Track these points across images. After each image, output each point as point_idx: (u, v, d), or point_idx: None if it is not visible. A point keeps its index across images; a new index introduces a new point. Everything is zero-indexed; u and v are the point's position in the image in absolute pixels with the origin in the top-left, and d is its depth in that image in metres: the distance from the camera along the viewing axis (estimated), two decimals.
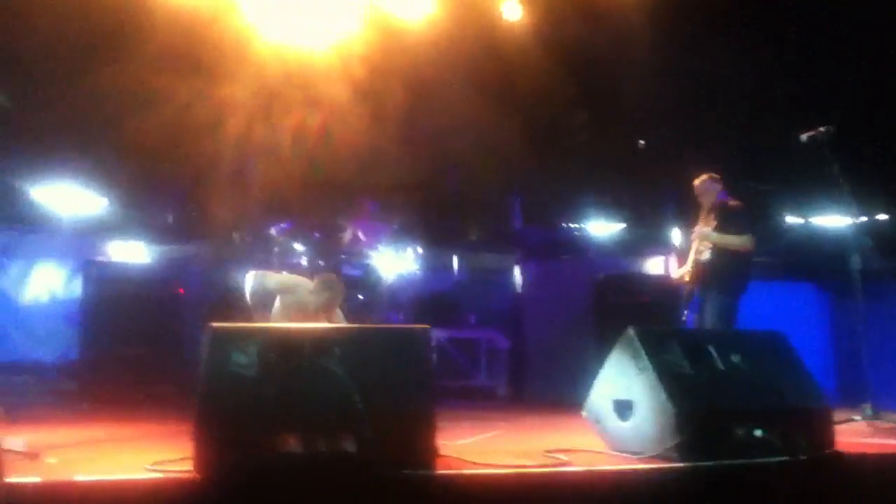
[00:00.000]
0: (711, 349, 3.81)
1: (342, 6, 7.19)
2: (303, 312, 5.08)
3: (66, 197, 7.84)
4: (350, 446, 3.19)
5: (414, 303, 7.42)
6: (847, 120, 6.02)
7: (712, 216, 5.71)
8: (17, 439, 3.84)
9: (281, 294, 5.16)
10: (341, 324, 5.25)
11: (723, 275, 5.54)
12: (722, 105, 8.09)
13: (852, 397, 5.33)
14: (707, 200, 5.82)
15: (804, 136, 5.14)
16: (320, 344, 3.34)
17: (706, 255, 5.64)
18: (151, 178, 7.97)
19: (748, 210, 5.77)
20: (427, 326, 3.55)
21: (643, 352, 3.67)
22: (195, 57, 7.49)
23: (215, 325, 3.41)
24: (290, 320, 5.07)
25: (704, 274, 5.64)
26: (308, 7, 7.14)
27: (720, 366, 3.78)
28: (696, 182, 5.92)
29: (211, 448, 3.11)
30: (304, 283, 5.22)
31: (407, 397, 3.31)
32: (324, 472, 3.15)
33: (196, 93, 7.83)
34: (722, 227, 5.59)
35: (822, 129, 5.04)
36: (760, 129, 8.15)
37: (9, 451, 3.54)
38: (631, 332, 3.78)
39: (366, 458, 3.16)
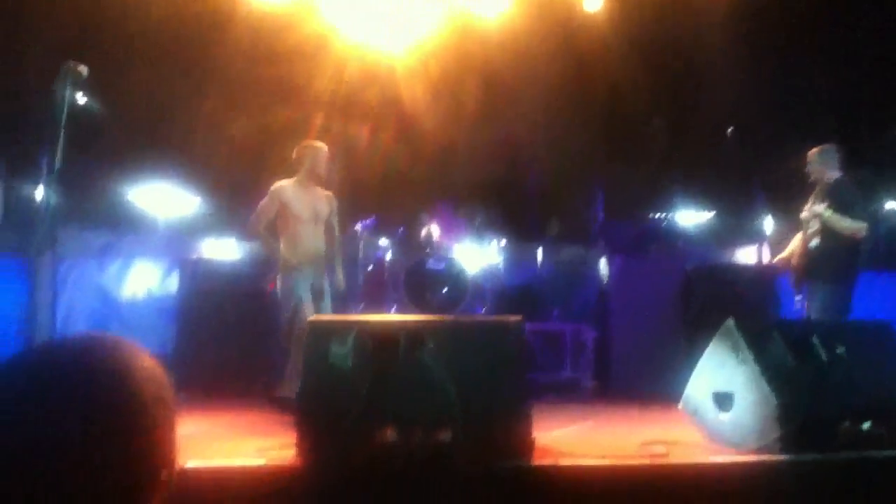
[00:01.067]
0: (815, 340, 3.68)
1: (419, 6, 7.23)
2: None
3: (161, 198, 8.14)
4: (446, 438, 3.22)
5: (497, 296, 7.41)
6: None
7: (824, 195, 5.31)
8: None
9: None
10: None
11: (833, 262, 5.19)
12: (815, 89, 7.79)
13: None
14: (821, 176, 5.39)
15: None
16: (415, 336, 3.38)
17: (815, 242, 5.31)
18: (241, 178, 8.20)
19: (863, 193, 5.40)
20: (520, 318, 3.56)
21: (744, 343, 3.58)
22: (279, 60, 7.69)
23: (314, 318, 3.50)
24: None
25: (812, 261, 5.31)
26: (385, 8, 7.21)
27: (824, 357, 3.65)
28: (812, 153, 5.46)
29: (312, 437, 3.20)
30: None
31: (502, 389, 3.33)
32: (420, 463, 3.19)
33: (281, 94, 8.04)
34: (836, 209, 5.19)
35: None
36: (856, 113, 7.82)
37: None
38: (731, 323, 3.68)
39: (462, 449, 3.19)
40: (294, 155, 5.54)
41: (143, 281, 8.09)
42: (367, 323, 3.48)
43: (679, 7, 7.62)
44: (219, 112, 7.85)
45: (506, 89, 8.27)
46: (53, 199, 4.17)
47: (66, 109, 4.13)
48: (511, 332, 3.45)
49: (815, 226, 5.30)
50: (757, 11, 7.21)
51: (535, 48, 7.68)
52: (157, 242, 8.11)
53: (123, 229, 7.69)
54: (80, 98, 6.34)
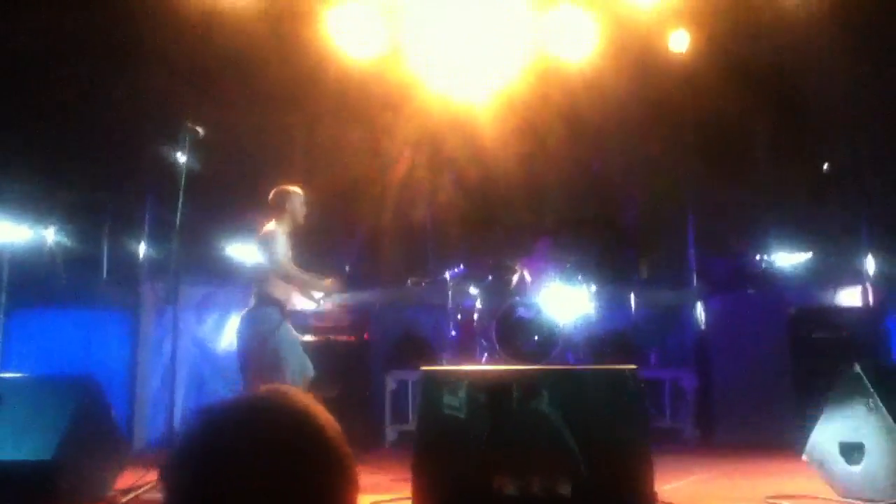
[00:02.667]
0: None
1: (503, 54, 7.32)
2: None
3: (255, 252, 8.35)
4: (565, 489, 3.15)
5: (590, 342, 7.28)
6: None
7: None
8: None
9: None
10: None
11: None
12: None
13: None
14: None
15: None
16: (529, 386, 3.34)
17: None
18: (330, 230, 8.36)
19: None
20: (634, 367, 3.48)
21: (873, 390, 3.40)
22: (363, 108, 7.88)
23: (427, 368, 3.50)
24: None
25: None
26: (470, 57, 7.32)
27: None
28: None
29: (429, 487, 3.17)
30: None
31: (621, 439, 3.24)
32: None
33: (368, 146, 8.22)
34: None
35: None
36: None
37: None
38: (858, 368, 3.51)
39: (582, 501, 3.11)
40: (273, 199, 5.31)
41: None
42: (479, 373, 3.46)
43: (769, 33, 7.49)
44: (310, 166, 8.06)
45: (593, 129, 8.24)
46: (177, 254, 4.31)
47: (185, 169, 4.31)
48: (628, 381, 3.37)
49: None
50: (855, 39, 7.02)
51: (621, 87, 7.66)
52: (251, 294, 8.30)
53: (221, 281, 7.89)
54: (181, 155, 6.63)
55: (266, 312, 5.06)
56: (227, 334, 8.19)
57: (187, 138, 4.38)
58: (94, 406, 4.04)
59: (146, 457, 4.55)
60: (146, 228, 7.66)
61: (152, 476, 3.92)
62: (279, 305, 5.14)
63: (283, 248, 5.13)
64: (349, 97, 7.74)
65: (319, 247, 8.56)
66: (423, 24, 7.28)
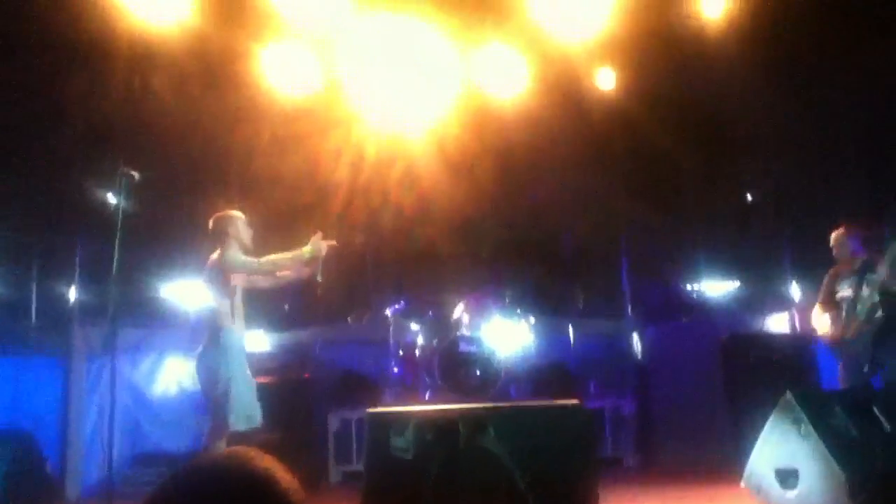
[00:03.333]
0: (875, 409, 3.64)
1: (439, 88, 7.43)
2: None
3: (191, 292, 8.22)
4: None
5: (531, 375, 7.36)
6: None
7: (859, 269, 5.39)
8: None
9: None
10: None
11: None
12: (835, 150, 7.90)
13: None
14: (845, 255, 5.52)
15: None
16: (475, 423, 3.36)
17: (879, 313, 5.25)
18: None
19: None
20: (578, 402, 3.55)
21: (805, 416, 3.54)
22: (299, 144, 7.87)
23: (372, 410, 3.50)
24: None
25: (881, 332, 5.24)
26: (404, 92, 7.40)
27: (887, 426, 3.60)
28: (834, 236, 5.63)
29: None
30: None
31: (568, 473, 3.29)
32: None
33: (303, 182, 8.19)
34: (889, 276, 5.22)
35: None
36: (877, 174, 7.89)
37: None
38: (789, 396, 3.66)
39: None
40: (214, 226, 5.00)
41: (175, 376, 8.09)
42: (425, 413, 3.47)
43: (691, 70, 7.80)
44: (246, 203, 7.99)
45: (527, 164, 8.41)
46: (115, 300, 4.21)
47: (121, 213, 4.23)
48: (573, 416, 3.43)
49: (875, 298, 5.27)
50: (779, 71, 7.36)
51: (553, 123, 7.84)
52: (188, 337, 8.14)
53: (155, 324, 7.73)
54: (112, 198, 6.49)
55: (217, 354, 4.78)
56: (162, 379, 8.00)
57: (123, 181, 4.30)
58: (26, 459, 3.90)
59: None
60: (77, 271, 7.46)
61: None
62: (233, 347, 4.85)
63: (243, 255, 4.90)
64: (285, 134, 7.74)
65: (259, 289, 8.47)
66: (358, 61, 7.34)
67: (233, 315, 4.87)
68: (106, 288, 7.10)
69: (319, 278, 5.18)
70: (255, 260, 4.89)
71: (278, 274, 5.18)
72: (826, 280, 5.66)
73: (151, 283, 7.70)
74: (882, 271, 5.20)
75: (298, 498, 1.10)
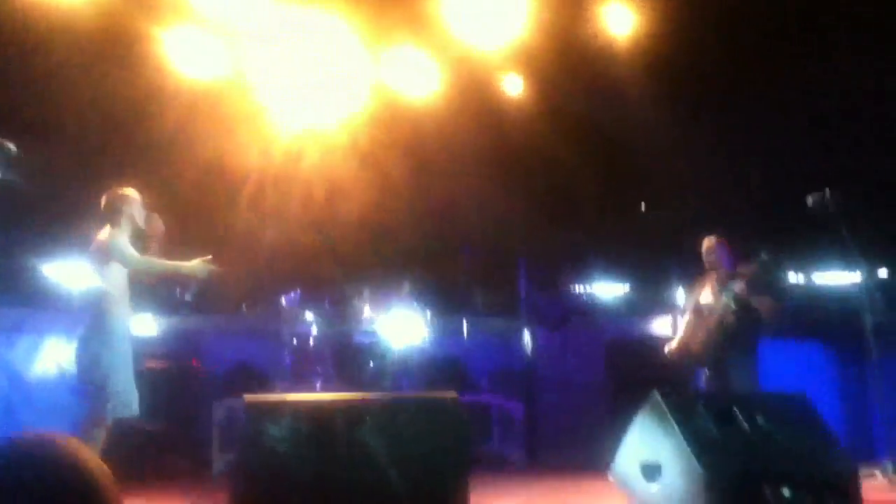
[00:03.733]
0: (737, 411, 3.86)
1: (349, 85, 7.40)
2: None
3: (74, 273, 7.91)
4: None
5: (425, 369, 7.43)
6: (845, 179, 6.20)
7: (723, 279, 5.63)
8: None
9: None
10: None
11: (746, 338, 5.48)
12: (722, 169, 8.32)
13: (860, 455, 5.32)
14: (713, 263, 5.74)
15: (810, 199, 5.26)
16: (353, 414, 3.38)
17: (730, 320, 5.50)
18: (162, 254, 8.06)
19: (779, 276, 5.76)
20: (455, 395, 3.61)
21: (670, 415, 3.72)
22: (205, 133, 7.69)
23: (249, 397, 3.46)
24: None
25: (728, 339, 5.54)
26: (315, 85, 7.34)
27: (746, 428, 3.82)
28: (705, 244, 5.84)
29: None
30: None
31: (441, 465, 3.35)
32: None
33: (205, 167, 8.01)
34: (758, 293, 5.48)
35: (827, 191, 5.16)
36: (756, 189, 8.37)
37: None
38: (656, 395, 3.83)
39: None
40: (106, 203, 4.81)
41: (55, 358, 7.77)
42: (304, 402, 3.47)
43: (595, 87, 8.05)
44: (142, 188, 7.75)
45: (432, 163, 8.48)
46: None
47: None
48: (449, 409, 3.50)
49: (728, 307, 5.54)
50: (671, 91, 7.68)
51: (460, 123, 7.93)
52: (69, 318, 7.82)
53: (35, 304, 7.40)
54: None
55: (100, 339, 4.61)
56: (41, 361, 7.67)
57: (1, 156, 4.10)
58: None
59: None
60: None
61: None
62: (116, 332, 4.66)
63: (130, 247, 4.71)
64: (190, 121, 7.54)
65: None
66: (266, 53, 7.23)
67: (118, 298, 4.70)
68: None
69: (188, 298, 5.12)
70: (138, 258, 4.74)
71: (161, 276, 5.08)
72: (694, 287, 5.91)
73: (29, 262, 7.35)
74: (740, 285, 5.49)
75: (107, 483, 1.09)
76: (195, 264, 4.87)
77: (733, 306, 5.46)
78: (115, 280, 4.68)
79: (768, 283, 5.50)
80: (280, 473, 3.23)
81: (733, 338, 5.51)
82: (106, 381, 4.61)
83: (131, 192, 4.92)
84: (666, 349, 5.92)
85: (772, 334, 6.18)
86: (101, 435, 4.67)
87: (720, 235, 5.81)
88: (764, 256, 5.50)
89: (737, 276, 5.53)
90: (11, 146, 4.13)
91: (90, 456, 1.12)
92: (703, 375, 5.72)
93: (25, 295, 7.34)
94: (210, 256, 4.91)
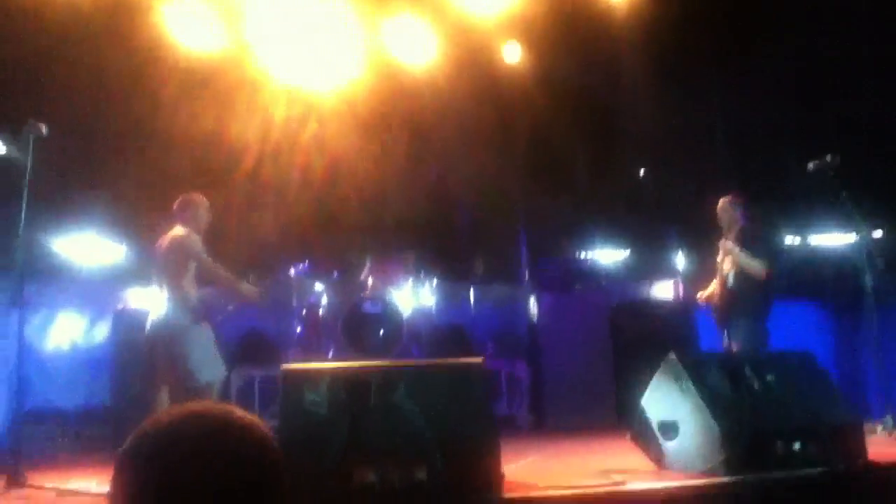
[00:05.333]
0: (748, 370, 4.04)
1: (348, 50, 7.44)
2: None
3: (86, 247, 7.98)
4: (422, 475, 3.37)
5: (433, 336, 7.59)
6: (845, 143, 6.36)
7: (734, 240, 5.79)
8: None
9: None
10: None
11: (748, 299, 5.66)
12: (719, 130, 8.46)
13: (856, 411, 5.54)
14: (731, 223, 5.89)
15: (811, 165, 5.41)
16: (387, 380, 3.53)
17: (731, 282, 5.73)
18: (167, 226, 8.14)
19: (768, 238, 5.94)
20: (481, 360, 3.77)
21: (686, 375, 3.89)
22: (206, 102, 7.72)
23: (286, 366, 3.61)
24: None
25: (731, 299, 5.74)
26: (314, 50, 7.37)
27: (756, 386, 4.01)
28: (719, 204, 5.99)
29: (293, 480, 3.28)
30: None
31: (472, 426, 3.51)
32: (399, 501, 3.33)
33: (209, 138, 8.05)
34: (743, 251, 5.69)
35: (828, 157, 5.31)
36: (756, 150, 8.52)
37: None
38: (673, 356, 4.00)
39: (437, 486, 3.35)
40: (179, 206, 5.44)
41: (68, 332, 7.87)
42: (339, 369, 3.61)
43: (592, 55, 8.14)
44: (146, 159, 7.80)
45: (433, 132, 8.57)
46: (23, 255, 4.11)
47: (29, 168, 4.11)
48: (475, 374, 3.65)
49: (729, 267, 5.76)
50: (665, 51, 7.78)
51: (459, 92, 8.01)
52: (81, 292, 7.91)
53: (47, 279, 7.48)
54: (3, 148, 6.22)
55: (180, 316, 5.12)
56: (55, 334, 7.78)
57: (30, 135, 4.17)
58: None
59: None
60: None
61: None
62: (195, 309, 5.21)
63: (200, 243, 5.29)
64: (190, 91, 7.56)
65: (157, 240, 8.29)
66: (264, 20, 7.25)
67: (191, 285, 5.25)
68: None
69: (231, 308, 6.06)
70: (211, 261, 5.30)
71: (219, 284, 5.74)
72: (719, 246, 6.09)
73: (43, 237, 7.42)
74: (730, 245, 5.69)
75: (277, 450, 1.21)
76: (249, 288, 5.55)
77: (731, 267, 5.67)
78: (189, 277, 5.22)
79: (753, 242, 5.68)
80: (318, 436, 3.39)
81: (735, 299, 5.70)
82: (213, 378, 5.18)
83: (201, 198, 5.58)
84: (698, 296, 6.12)
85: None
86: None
87: (735, 193, 5.96)
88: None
89: (738, 235, 5.72)
90: (43, 126, 4.20)
91: (259, 422, 1.25)
92: (724, 335, 5.91)
93: (37, 270, 7.41)
94: (260, 288, 5.70)
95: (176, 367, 5.03)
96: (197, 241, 5.26)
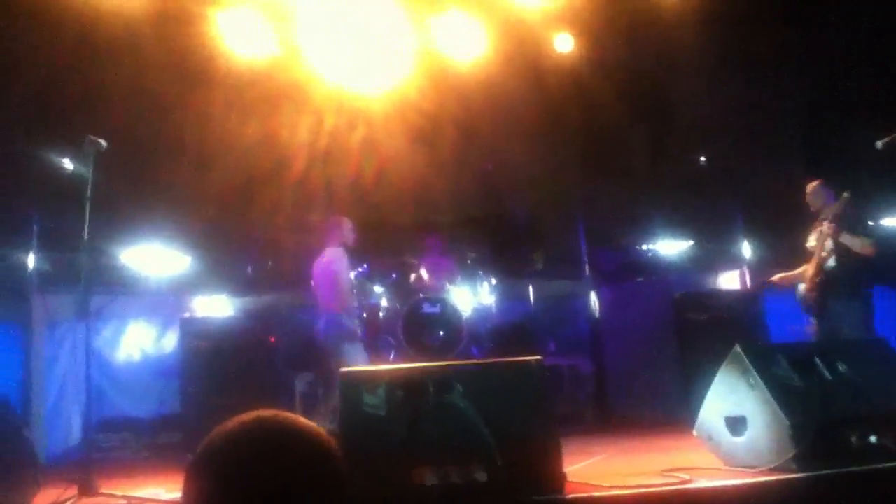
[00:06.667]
0: (817, 360, 3.88)
1: (397, 51, 7.44)
2: None
3: (152, 258, 8.20)
4: (481, 476, 3.34)
5: (493, 335, 7.55)
6: None
7: (829, 221, 5.64)
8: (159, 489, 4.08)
9: None
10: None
11: (851, 280, 5.53)
12: (781, 114, 8.18)
13: None
14: (820, 206, 5.80)
15: (880, 143, 5.19)
16: (443, 381, 3.51)
17: (831, 263, 5.60)
18: (229, 233, 8.30)
19: (865, 217, 5.79)
20: (540, 357, 3.71)
21: (752, 367, 3.76)
22: (261, 108, 7.83)
23: (345, 370, 3.62)
24: None
25: (830, 281, 5.60)
26: (364, 53, 7.40)
27: (828, 375, 3.85)
28: (809, 188, 5.92)
29: (354, 483, 3.29)
30: None
31: (531, 425, 3.46)
32: (458, 501, 3.31)
33: (266, 144, 8.18)
34: (845, 230, 5.55)
35: None
36: (822, 135, 8.20)
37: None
38: (738, 349, 3.87)
39: (497, 486, 3.31)
40: (328, 227, 6.39)
41: (138, 342, 8.10)
42: (395, 372, 3.61)
43: (646, 40, 7.95)
44: (204, 167, 7.97)
45: (484, 129, 8.51)
46: (88, 267, 4.23)
47: (91, 182, 4.23)
48: (533, 372, 3.60)
49: (829, 247, 5.60)
50: (726, 36, 7.56)
51: (510, 86, 7.93)
52: (149, 302, 8.13)
53: (116, 291, 7.71)
54: (69, 164, 6.41)
55: (348, 318, 6.26)
56: (125, 345, 8.00)
57: (91, 151, 4.29)
58: (5, 424, 3.94)
59: (50, 473, 4.43)
60: (34, 240, 7.37)
61: (72, 491, 3.89)
62: (355, 314, 6.36)
63: (348, 271, 6.37)
64: (242, 98, 7.69)
65: (219, 248, 8.47)
66: (314, 25, 7.31)
67: (347, 299, 6.32)
68: (64, 256, 7.06)
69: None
70: (350, 292, 6.43)
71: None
72: (808, 231, 5.94)
73: (111, 250, 7.65)
74: (830, 225, 5.52)
75: (337, 454, 1.22)
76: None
77: (829, 247, 5.48)
78: (345, 290, 6.35)
79: (855, 221, 5.53)
80: (377, 438, 3.39)
81: (836, 282, 5.54)
82: (354, 353, 6.27)
83: (346, 220, 6.55)
84: (774, 277, 6.04)
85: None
86: None
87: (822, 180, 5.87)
88: (846, 195, 5.52)
89: (835, 217, 5.54)
90: (102, 142, 4.32)
91: (318, 428, 1.26)
92: (808, 324, 5.73)
93: (107, 282, 7.65)
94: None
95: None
96: (344, 268, 6.32)
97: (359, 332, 6.35)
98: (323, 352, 6.42)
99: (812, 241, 5.83)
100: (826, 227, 5.60)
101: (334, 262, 6.28)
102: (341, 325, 6.24)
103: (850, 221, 5.57)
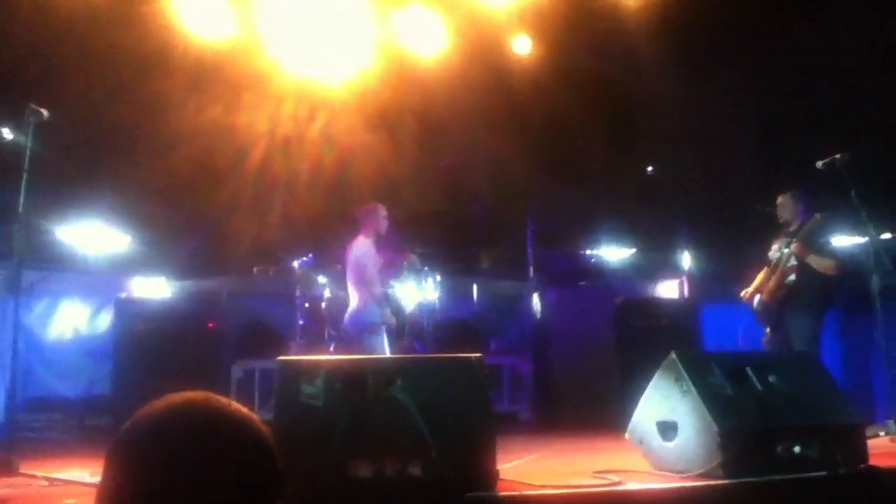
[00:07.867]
0: (749, 371, 3.98)
1: (358, 41, 7.40)
2: None
3: (90, 235, 7.98)
4: (416, 471, 3.34)
5: (435, 331, 7.55)
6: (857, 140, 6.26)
7: (798, 239, 5.73)
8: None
9: None
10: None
11: (810, 295, 5.64)
12: (731, 130, 8.36)
13: (862, 416, 5.47)
14: (791, 219, 5.88)
15: (820, 164, 5.35)
16: (383, 374, 3.50)
17: (791, 277, 5.70)
18: (173, 215, 8.13)
19: (830, 232, 5.92)
20: (480, 355, 3.73)
21: (686, 375, 3.84)
22: (216, 92, 7.70)
23: (284, 358, 3.58)
24: None
25: (790, 295, 5.71)
26: (325, 41, 7.33)
27: (758, 386, 3.95)
28: (780, 199, 5.98)
29: (288, 474, 3.25)
30: None
31: (468, 422, 3.47)
32: (392, 495, 3.30)
33: (216, 128, 8.03)
34: (808, 247, 5.66)
35: (838, 155, 5.25)
36: (768, 152, 8.41)
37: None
38: (674, 355, 3.94)
39: (431, 481, 3.31)
40: (362, 215, 6.34)
41: (70, 320, 7.88)
42: (336, 362, 3.58)
43: (604, 46, 8.05)
44: (154, 148, 7.79)
45: (441, 125, 8.52)
46: (21, 240, 4.08)
47: (28, 153, 4.09)
48: (474, 369, 3.61)
49: (792, 263, 5.72)
50: (681, 49, 7.69)
51: (468, 84, 7.96)
52: (85, 281, 7.92)
53: (51, 267, 7.49)
54: (8, 133, 6.20)
55: (373, 308, 6.17)
56: (57, 323, 7.78)
57: (31, 120, 4.15)
58: None
59: None
60: None
61: None
62: (380, 305, 6.21)
63: (372, 262, 6.25)
64: (200, 80, 7.54)
65: (162, 229, 8.28)
66: (276, 10, 7.21)
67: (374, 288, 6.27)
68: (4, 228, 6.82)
69: (332, 330, 6.99)
70: (375, 280, 6.30)
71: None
72: (772, 240, 6.05)
73: (47, 225, 7.41)
74: (797, 244, 5.64)
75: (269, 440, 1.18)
76: (388, 314, 6.35)
77: (792, 262, 5.60)
78: (370, 277, 6.26)
79: (823, 242, 5.66)
80: (314, 429, 3.36)
81: (794, 297, 5.66)
82: (379, 341, 6.28)
83: (380, 208, 6.45)
84: (742, 293, 6.11)
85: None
86: None
87: (794, 192, 5.96)
88: (818, 216, 5.65)
89: (796, 234, 5.66)
90: (44, 112, 4.18)
91: (251, 414, 1.21)
92: (764, 335, 5.85)
93: (41, 257, 7.42)
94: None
95: None
96: (371, 253, 6.24)
97: (382, 321, 6.25)
98: (346, 343, 6.49)
99: (775, 251, 5.92)
100: (794, 245, 5.70)
101: (363, 255, 6.28)
102: (362, 321, 6.22)
103: (818, 243, 5.69)
